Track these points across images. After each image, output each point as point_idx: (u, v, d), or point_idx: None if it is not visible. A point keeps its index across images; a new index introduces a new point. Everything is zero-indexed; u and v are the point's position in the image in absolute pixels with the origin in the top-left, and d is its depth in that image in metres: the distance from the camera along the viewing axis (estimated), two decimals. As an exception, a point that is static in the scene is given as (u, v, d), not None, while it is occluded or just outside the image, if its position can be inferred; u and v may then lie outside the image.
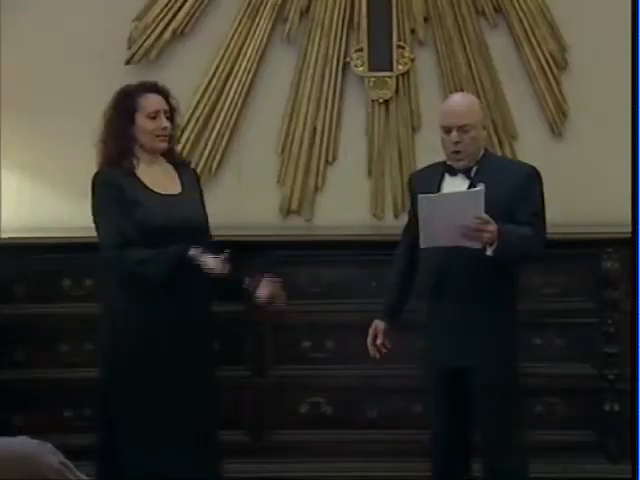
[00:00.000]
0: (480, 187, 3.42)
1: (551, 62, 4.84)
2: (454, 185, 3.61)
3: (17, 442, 1.89)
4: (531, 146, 4.83)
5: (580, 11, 4.79)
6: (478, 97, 4.79)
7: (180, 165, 3.90)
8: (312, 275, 4.54)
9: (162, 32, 4.87)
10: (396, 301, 3.82)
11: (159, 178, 3.76)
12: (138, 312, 3.66)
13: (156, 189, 3.73)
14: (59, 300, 4.54)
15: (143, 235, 3.63)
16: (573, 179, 4.77)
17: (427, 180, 3.68)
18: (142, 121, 3.73)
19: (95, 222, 3.74)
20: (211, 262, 3.58)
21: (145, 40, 4.87)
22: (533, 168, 3.67)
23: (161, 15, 4.87)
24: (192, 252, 3.60)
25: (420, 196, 3.43)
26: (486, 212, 3.41)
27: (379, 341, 3.80)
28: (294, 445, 4.51)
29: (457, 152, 3.60)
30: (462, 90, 4.64)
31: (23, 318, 4.55)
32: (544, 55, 4.83)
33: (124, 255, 3.65)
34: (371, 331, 3.81)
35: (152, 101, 3.75)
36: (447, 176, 3.64)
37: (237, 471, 4.18)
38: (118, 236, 3.64)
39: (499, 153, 4.78)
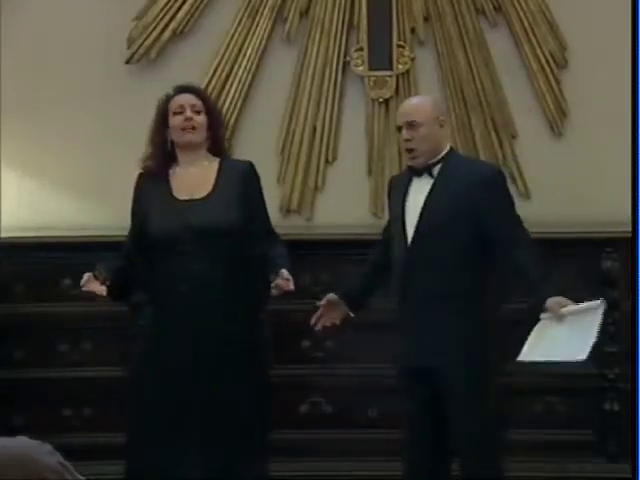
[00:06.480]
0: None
1: (551, 61, 4.83)
2: (420, 186, 3.61)
3: (15, 442, 1.89)
4: (531, 146, 4.82)
5: (580, 11, 4.79)
6: (478, 97, 4.83)
7: (227, 162, 3.84)
8: (312, 275, 4.54)
9: (162, 32, 4.87)
10: (359, 285, 3.84)
11: (190, 181, 3.74)
12: (161, 312, 3.68)
13: (180, 195, 3.72)
14: (59, 300, 4.53)
15: (150, 243, 3.67)
16: (573, 179, 4.76)
17: (399, 184, 3.72)
18: (171, 120, 3.76)
19: None
20: (83, 280, 3.59)
21: (145, 40, 4.87)
22: (498, 168, 3.73)
23: (161, 15, 4.87)
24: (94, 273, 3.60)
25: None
26: (449, 210, 3.49)
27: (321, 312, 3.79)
28: (294, 445, 4.51)
29: (410, 150, 3.62)
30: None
31: (23, 318, 4.55)
32: (544, 55, 4.83)
33: None
34: (323, 301, 3.79)
35: (178, 99, 3.78)
36: (414, 178, 3.65)
37: (237, 471, 4.17)
38: (125, 247, 3.78)
39: (499, 153, 4.79)
